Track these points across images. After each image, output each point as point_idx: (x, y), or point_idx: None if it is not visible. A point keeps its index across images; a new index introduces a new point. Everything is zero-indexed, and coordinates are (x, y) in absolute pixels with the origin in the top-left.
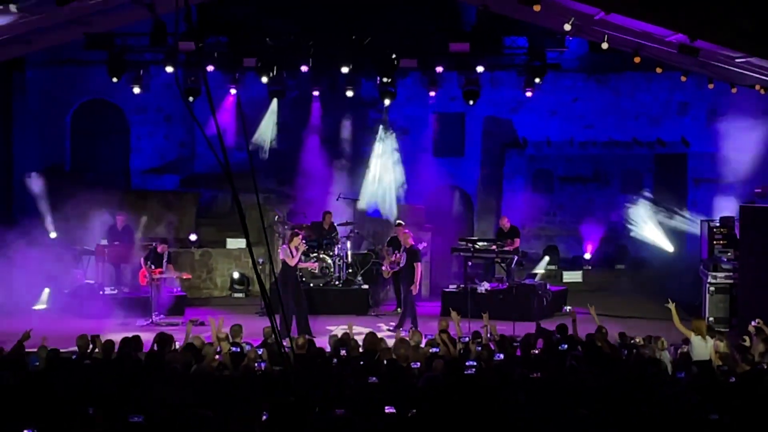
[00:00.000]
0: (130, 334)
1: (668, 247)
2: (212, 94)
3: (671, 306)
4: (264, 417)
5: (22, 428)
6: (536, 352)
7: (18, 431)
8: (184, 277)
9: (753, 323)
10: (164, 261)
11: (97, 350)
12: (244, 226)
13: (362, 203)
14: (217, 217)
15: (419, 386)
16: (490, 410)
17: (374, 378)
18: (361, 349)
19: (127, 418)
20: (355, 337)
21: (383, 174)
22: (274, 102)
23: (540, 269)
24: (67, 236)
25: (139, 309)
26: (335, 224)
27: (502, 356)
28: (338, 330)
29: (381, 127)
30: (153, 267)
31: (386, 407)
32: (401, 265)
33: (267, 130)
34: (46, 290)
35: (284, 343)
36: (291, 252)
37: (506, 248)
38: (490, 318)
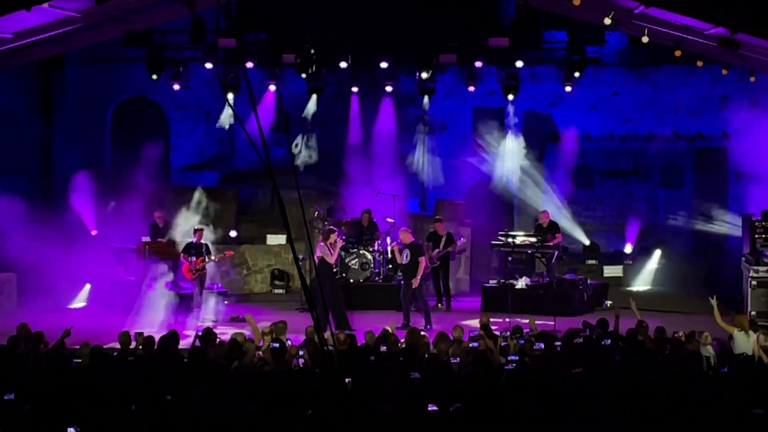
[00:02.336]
0: (170, 331)
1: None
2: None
3: (713, 302)
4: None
5: (65, 426)
6: (579, 341)
7: (61, 429)
8: (227, 255)
9: None
10: (203, 250)
11: (139, 347)
12: (285, 221)
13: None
14: (257, 213)
15: (460, 381)
16: (531, 405)
17: (416, 373)
18: (401, 345)
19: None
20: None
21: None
22: (313, 98)
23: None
24: (108, 234)
25: (182, 305)
26: (374, 221)
27: (542, 345)
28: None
29: (420, 123)
30: (194, 258)
31: (429, 405)
32: (404, 262)
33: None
34: (87, 287)
35: (326, 338)
36: (328, 249)
37: (548, 243)
38: (531, 313)
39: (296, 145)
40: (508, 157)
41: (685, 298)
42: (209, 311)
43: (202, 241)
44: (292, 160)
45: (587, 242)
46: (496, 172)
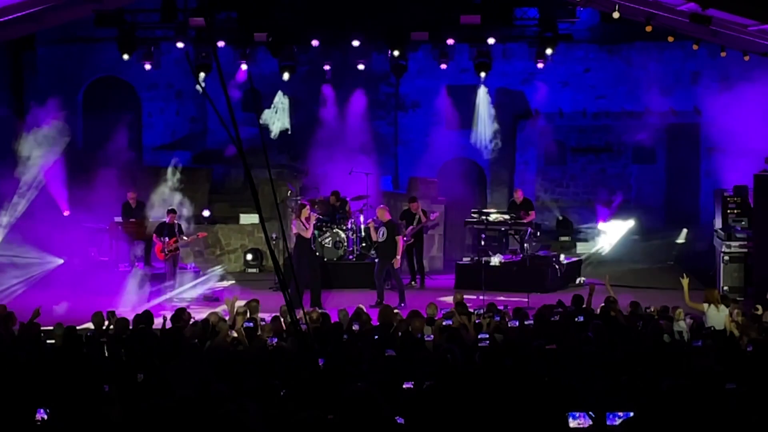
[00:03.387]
0: (144, 311)
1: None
2: (223, 70)
3: (684, 282)
4: (282, 392)
5: (38, 406)
6: (555, 318)
7: (33, 409)
8: (200, 236)
9: None
10: (176, 231)
11: (111, 327)
12: (257, 201)
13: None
14: (230, 192)
15: (435, 359)
16: (506, 383)
17: (391, 351)
18: (375, 323)
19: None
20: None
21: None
22: (285, 76)
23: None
24: (81, 214)
25: (155, 285)
26: (347, 199)
27: (516, 323)
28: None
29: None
30: (167, 239)
31: (404, 383)
32: (380, 240)
33: (279, 104)
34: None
35: (298, 317)
36: (303, 224)
37: (522, 220)
38: (505, 290)
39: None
40: (481, 134)
41: (659, 274)
42: (182, 291)
43: (175, 221)
44: (263, 140)
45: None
46: (469, 149)
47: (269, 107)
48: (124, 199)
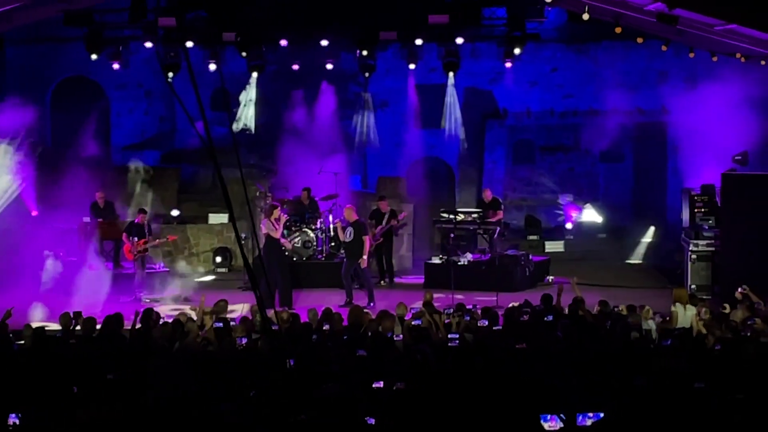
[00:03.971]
0: (113, 311)
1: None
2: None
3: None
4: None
5: (8, 410)
6: (525, 318)
7: (3, 415)
8: (170, 239)
9: (740, 290)
10: (146, 231)
11: (78, 328)
12: (227, 200)
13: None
14: (199, 192)
15: (404, 358)
16: (477, 381)
17: (362, 351)
18: (345, 323)
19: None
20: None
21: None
22: (254, 76)
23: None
24: (50, 214)
25: (124, 286)
26: (315, 198)
27: (486, 322)
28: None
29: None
30: (136, 239)
31: (374, 382)
32: (347, 240)
33: (248, 104)
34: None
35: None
36: (273, 225)
37: (490, 219)
38: (474, 290)
39: (238, 120)
40: (449, 133)
41: (627, 273)
42: (152, 291)
43: (145, 222)
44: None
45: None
46: (438, 148)
47: (238, 106)
48: (93, 199)
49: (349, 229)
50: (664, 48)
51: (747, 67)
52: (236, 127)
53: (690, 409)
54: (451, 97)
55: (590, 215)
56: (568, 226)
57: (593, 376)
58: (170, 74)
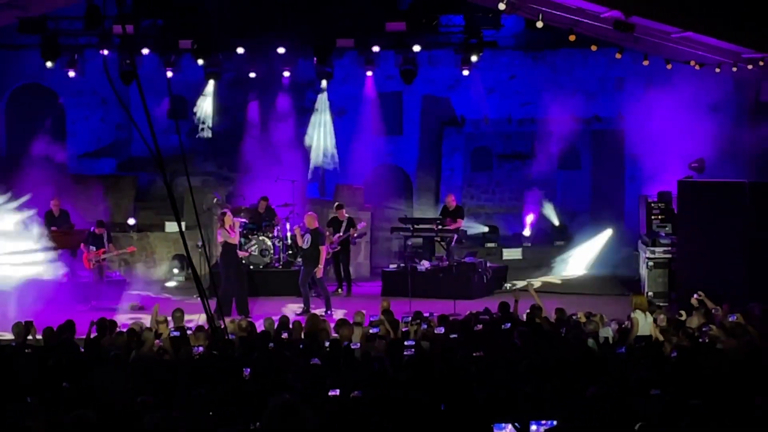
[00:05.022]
0: (69, 321)
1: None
2: (149, 77)
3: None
4: (206, 402)
5: None
6: (479, 327)
7: None
8: (129, 251)
9: (695, 296)
10: (105, 241)
11: (30, 337)
12: (176, 211)
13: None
14: (156, 200)
15: (362, 367)
16: (434, 390)
17: (316, 360)
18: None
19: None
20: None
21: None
22: (211, 83)
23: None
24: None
25: (80, 294)
26: (272, 207)
27: (443, 329)
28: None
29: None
30: (94, 249)
31: (330, 390)
32: (305, 246)
33: (205, 112)
34: None
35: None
36: (228, 231)
37: (448, 227)
38: (431, 297)
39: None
40: (408, 141)
41: (585, 280)
42: (108, 300)
43: (104, 232)
44: (182, 148)
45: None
46: (396, 156)
47: (194, 114)
48: (47, 208)
49: (307, 236)
50: (618, 55)
51: (702, 74)
52: (205, 135)
53: (645, 416)
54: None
55: (549, 213)
56: (526, 233)
57: (548, 383)
58: (126, 82)
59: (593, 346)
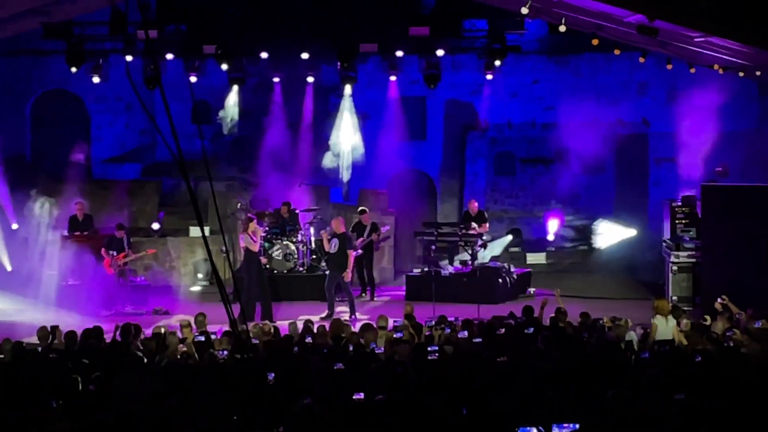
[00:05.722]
0: (93, 325)
1: (630, 232)
2: (173, 82)
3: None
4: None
5: None
6: (504, 331)
7: None
8: (149, 252)
9: (719, 300)
10: (125, 245)
11: (56, 341)
12: (199, 216)
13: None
14: (180, 205)
15: (385, 371)
16: (458, 395)
17: (340, 364)
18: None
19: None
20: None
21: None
22: (235, 89)
23: (498, 249)
24: (29, 227)
25: (103, 299)
26: (297, 211)
27: (466, 333)
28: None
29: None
30: (115, 253)
31: (355, 394)
32: (332, 251)
33: (229, 116)
34: None
35: (249, 330)
36: (250, 238)
37: (472, 232)
38: (455, 301)
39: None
40: (432, 145)
41: (609, 284)
42: (132, 304)
43: (125, 236)
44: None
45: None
46: (419, 160)
47: (217, 119)
48: (72, 213)
49: (335, 241)
50: (641, 59)
51: (726, 78)
52: (229, 136)
53: (669, 420)
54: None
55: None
56: (550, 237)
57: (571, 387)
58: (150, 87)
59: (631, 338)
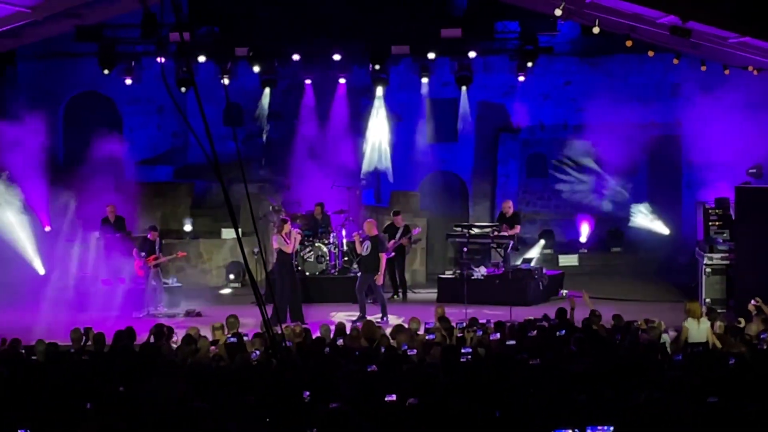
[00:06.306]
0: (125, 326)
1: (664, 230)
2: (205, 84)
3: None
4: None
5: (18, 426)
6: (533, 333)
7: (13, 430)
8: (179, 255)
9: (753, 302)
10: (157, 248)
11: (89, 343)
12: (233, 217)
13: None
14: (212, 207)
15: (418, 373)
16: (490, 397)
17: (373, 366)
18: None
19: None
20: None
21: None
22: (266, 91)
23: (534, 253)
24: (62, 229)
25: (136, 300)
26: (328, 213)
27: (498, 335)
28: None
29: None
30: (146, 256)
31: (386, 395)
32: (364, 253)
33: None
34: None
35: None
36: (284, 240)
37: (503, 233)
38: (487, 304)
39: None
40: (463, 147)
41: (641, 286)
42: (164, 306)
43: (156, 238)
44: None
45: None
46: (451, 162)
47: (251, 121)
48: (104, 215)
49: (367, 243)
50: (675, 61)
51: (760, 79)
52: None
53: (702, 422)
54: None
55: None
56: (582, 239)
57: (605, 389)
58: (182, 89)
59: (665, 340)
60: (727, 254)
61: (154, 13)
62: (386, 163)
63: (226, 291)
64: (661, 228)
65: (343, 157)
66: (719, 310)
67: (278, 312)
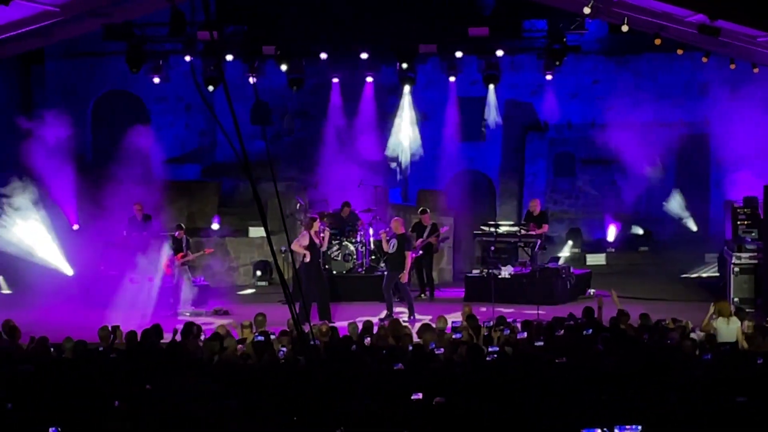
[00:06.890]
0: (152, 324)
1: (692, 226)
2: (232, 83)
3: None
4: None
5: (48, 426)
6: (563, 332)
7: (44, 429)
8: (207, 252)
9: None
10: (184, 246)
11: (117, 341)
12: (263, 215)
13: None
14: (239, 206)
15: (444, 372)
16: (516, 396)
17: (400, 365)
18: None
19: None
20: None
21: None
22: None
23: (565, 252)
24: (90, 228)
25: (163, 299)
26: (355, 212)
27: (525, 334)
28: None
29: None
30: (173, 253)
31: (413, 394)
32: (391, 251)
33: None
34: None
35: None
36: (313, 237)
37: (531, 232)
38: (514, 303)
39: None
40: (491, 146)
41: (669, 285)
42: (191, 304)
43: (184, 236)
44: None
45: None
46: (479, 161)
47: (278, 120)
48: (131, 213)
49: (393, 241)
50: (704, 60)
51: None
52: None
53: (731, 422)
54: (492, 109)
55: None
56: (610, 238)
57: (632, 388)
58: (210, 87)
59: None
60: (755, 253)
61: (183, 12)
62: (408, 157)
63: (249, 291)
64: (690, 223)
65: (371, 156)
66: (747, 310)
67: (306, 310)
